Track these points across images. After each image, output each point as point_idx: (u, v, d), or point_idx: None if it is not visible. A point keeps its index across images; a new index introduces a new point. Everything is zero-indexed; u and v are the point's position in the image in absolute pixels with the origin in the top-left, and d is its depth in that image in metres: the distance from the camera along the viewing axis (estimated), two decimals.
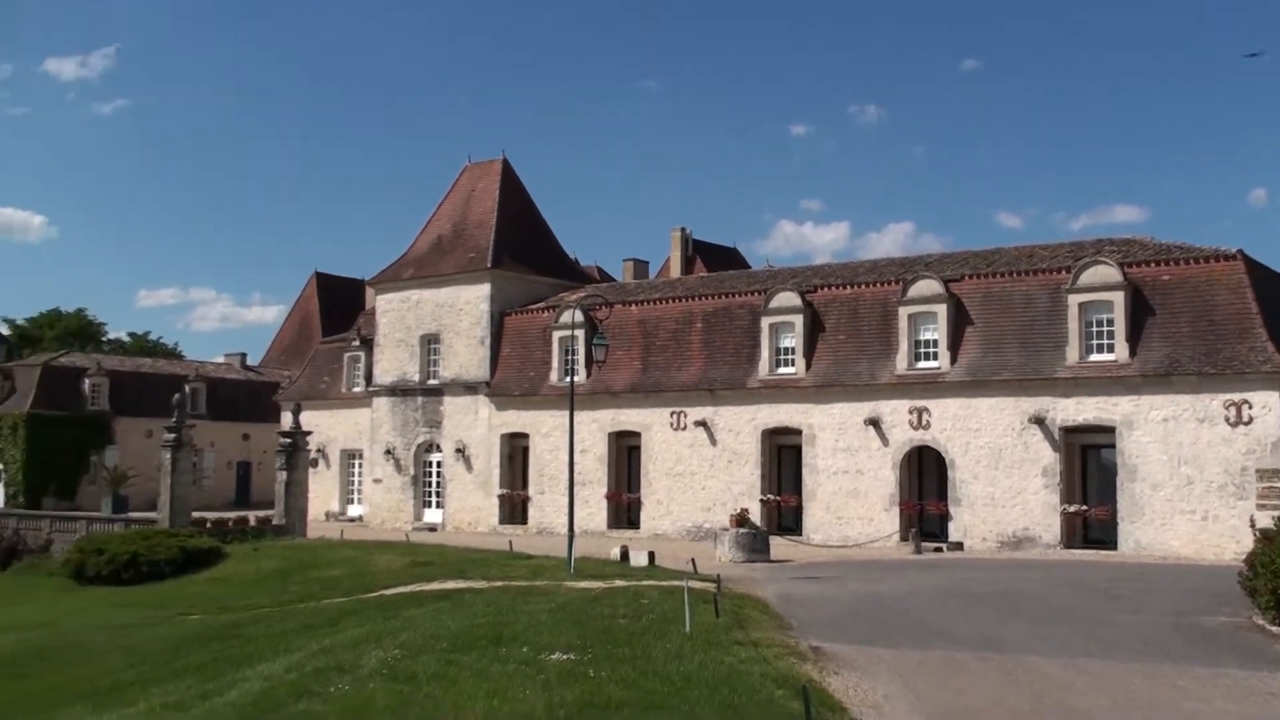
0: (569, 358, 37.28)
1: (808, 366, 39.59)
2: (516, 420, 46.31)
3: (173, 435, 39.32)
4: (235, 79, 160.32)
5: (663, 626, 16.59)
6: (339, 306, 75.31)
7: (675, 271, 65.05)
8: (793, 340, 40.13)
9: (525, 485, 46.18)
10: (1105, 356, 34.49)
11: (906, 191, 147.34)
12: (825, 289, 40.47)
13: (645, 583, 23.57)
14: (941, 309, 37.15)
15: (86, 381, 64.72)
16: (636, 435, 43.22)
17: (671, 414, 42.10)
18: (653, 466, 42.50)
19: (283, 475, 41.75)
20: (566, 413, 30.04)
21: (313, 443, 46.53)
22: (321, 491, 52.22)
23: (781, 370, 40.22)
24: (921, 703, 12.82)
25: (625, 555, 30.57)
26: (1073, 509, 34.77)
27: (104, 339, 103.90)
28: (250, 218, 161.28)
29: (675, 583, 21.20)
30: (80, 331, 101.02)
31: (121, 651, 20.83)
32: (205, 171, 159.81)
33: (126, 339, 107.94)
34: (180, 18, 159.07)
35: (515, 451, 46.99)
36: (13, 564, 41.11)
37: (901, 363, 37.68)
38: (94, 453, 63.64)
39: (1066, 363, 34.95)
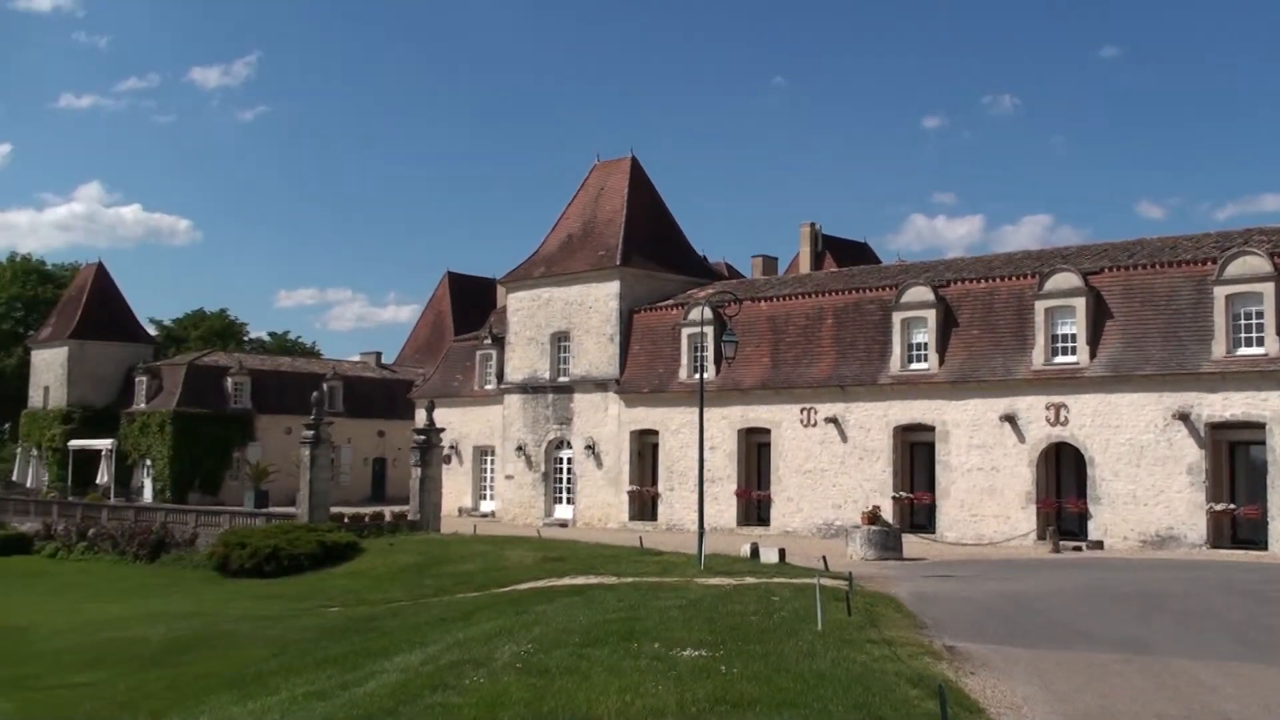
0: (698, 354, 37.28)
1: (941, 362, 38.96)
2: (646, 417, 46.42)
3: (311, 432, 40.29)
4: (369, 84, 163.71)
5: (794, 624, 16.46)
6: (471, 305, 76.39)
7: (805, 267, 64.57)
8: (925, 335, 39.53)
9: (654, 482, 46.27)
10: (1254, 350, 33.26)
11: (1043, 183, 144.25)
12: (959, 283, 39.78)
13: (776, 580, 23.44)
14: (1080, 302, 36.21)
15: (229, 380, 66.67)
16: (766, 432, 43.01)
17: (802, 410, 41.79)
18: (782, 463, 42.25)
19: (417, 471, 42.52)
20: (695, 409, 30.03)
21: (446, 439, 47.24)
22: (454, 487, 53.00)
23: (914, 366, 39.65)
24: (1062, 704, 12.49)
25: (755, 552, 30.43)
26: (1219, 508, 33.61)
27: (245, 339, 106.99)
28: (385, 219, 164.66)
29: (806, 580, 21.04)
30: (223, 332, 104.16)
31: (265, 642, 21.41)
32: (341, 175, 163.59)
33: (267, 338, 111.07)
34: (317, 24, 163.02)
35: (644, 448, 47.10)
36: (161, 556, 42.58)
37: (1038, 358, 36.83)
38: (236, 449, 65.56)
39: (1212, 357, 33.78)
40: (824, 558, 28.50)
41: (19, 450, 67.61)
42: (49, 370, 71.56)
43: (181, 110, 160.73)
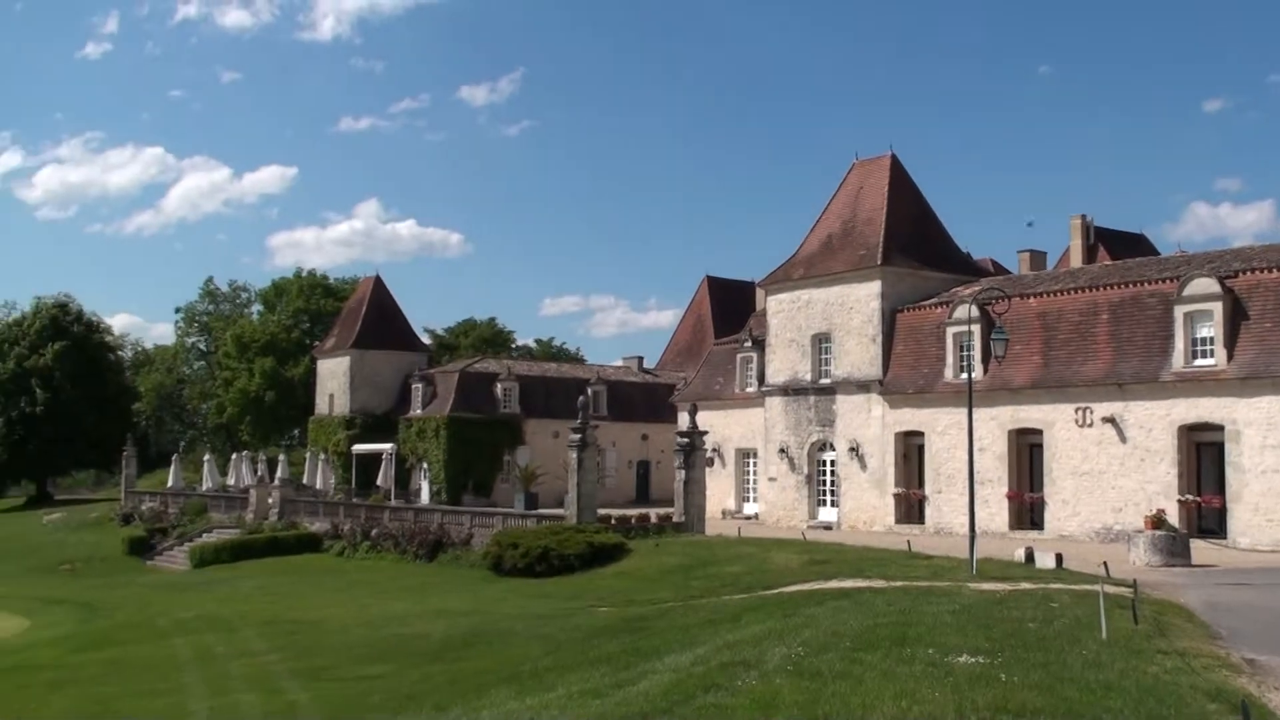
0: (964, 354, 36.35)
1: (1229, 357, 36.76)
2: (911, 418, 45.56)
3: (578, 436, 41.16)
4: (627, 94, 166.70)
5: (1076, 632, 15.84)
6: (730, 309, 76.70)
7: (1075, 261, 62.08)
8: (1211, 329, 37.37)
9: (921, 484, 45.36)
10: None
11: None
12: (1248, 273, 37.45)
13: (1054, 586, 22.62)
14: None
15: (498, 386, 68.90)
16: (1038, 432, 41.55)
17: (1076, 410, 40.18)
18: (1056, 465, 40.72)
19: (681, 474, 42.92)
20: (962, 410, 29.28)
21: (708, 442, 47.52)
22: (718, 490, 53.28)
23: (1199, 362, 37.56)
24: None
25: (1030, 557, 29.44)
26: None
27: (513, 346, 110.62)
28: (645, 226, 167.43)
29: (1087, 587, 20.23)
30: (492, 339, 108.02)
31: (539, 640, 22.00)
32: (603, 184, 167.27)
33: (533, 345, 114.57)
34: (576, 39, 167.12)
35: (910, 450, 46.25)
36: (439, 556, 44.30)
37: None
38: (506, 452, 67.67)
39: None
40: (1104, 563, 27.32)
41: (308, 454, 71.59)
42: (333, 378, 75.69)
43: (451, 127, 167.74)
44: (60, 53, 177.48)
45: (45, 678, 24.09)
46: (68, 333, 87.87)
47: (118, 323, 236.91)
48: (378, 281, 78.12)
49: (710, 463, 50.99)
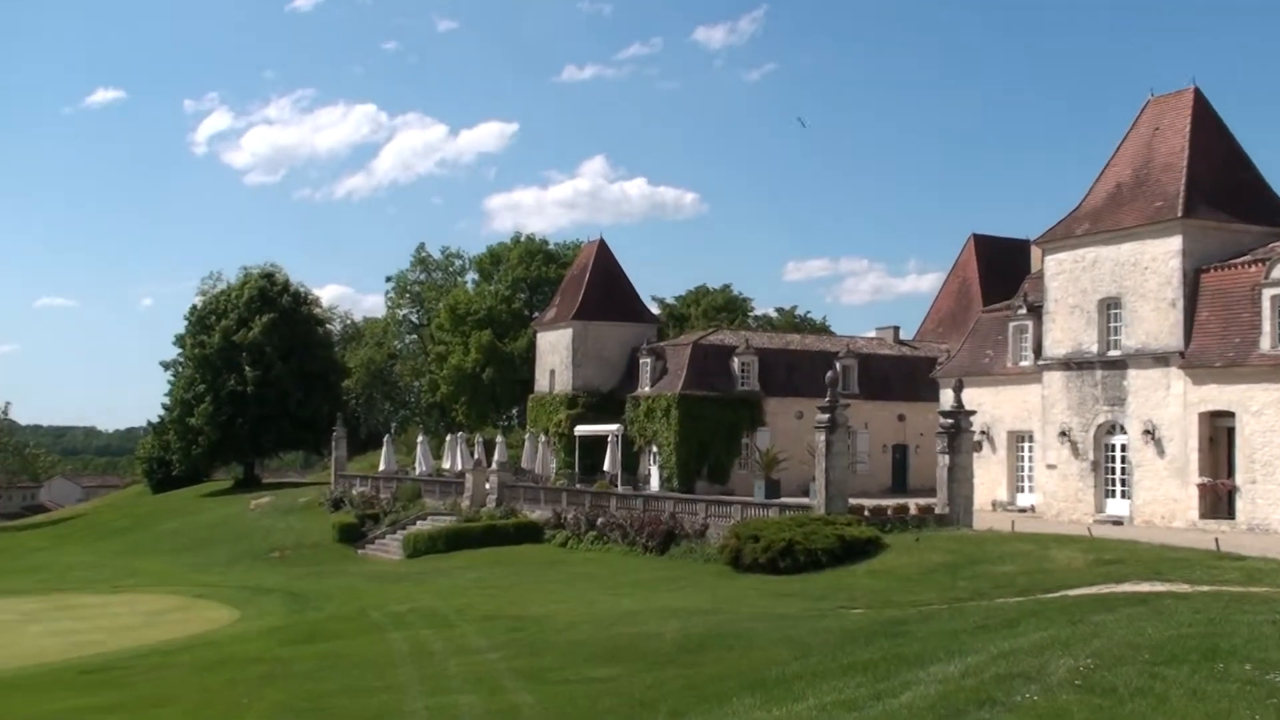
0: None
1: None
2: (1218, 396, 43.70)
3: (826, 416, 41.01)
4: (880, 33, 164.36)
5: None
6: (1001, 271, 74.98)
7: None
8: None
9: (1230, 473, 43.52)
10: None
11: None
12: None
13: None
14: None
15: (736, 360, 69.11)
16: None
17: None
18: None
19: (944, 460, 42.31)
20: None
21: (976, 423, 46.68)
22: (987, 478, 52.29)
23: None
24: None
25: None
26: None
27: (751, 315, 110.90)
28: (903, 180, 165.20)
29: None
30: (728, 308, 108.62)
31: (785, 643, 22.03)
32: (856, 134, 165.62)
33: (774, 314, 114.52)
34: None
35: (1217, 433, 44.39)
36: (671, 548, 44.88)
37: None
38: (745, 434, 67.92)
39: None
40: None
41: (527, 436, 73.51)
42: (554, 353, 77.37)
43: (685, 74, 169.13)
44: (269, 6, 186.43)
45: (256, 672, 25.38)
46: (275, 305, 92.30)
47: (326, 294, 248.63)
48: (602, 246, 79.40)
49: (978, 447, 50.07)
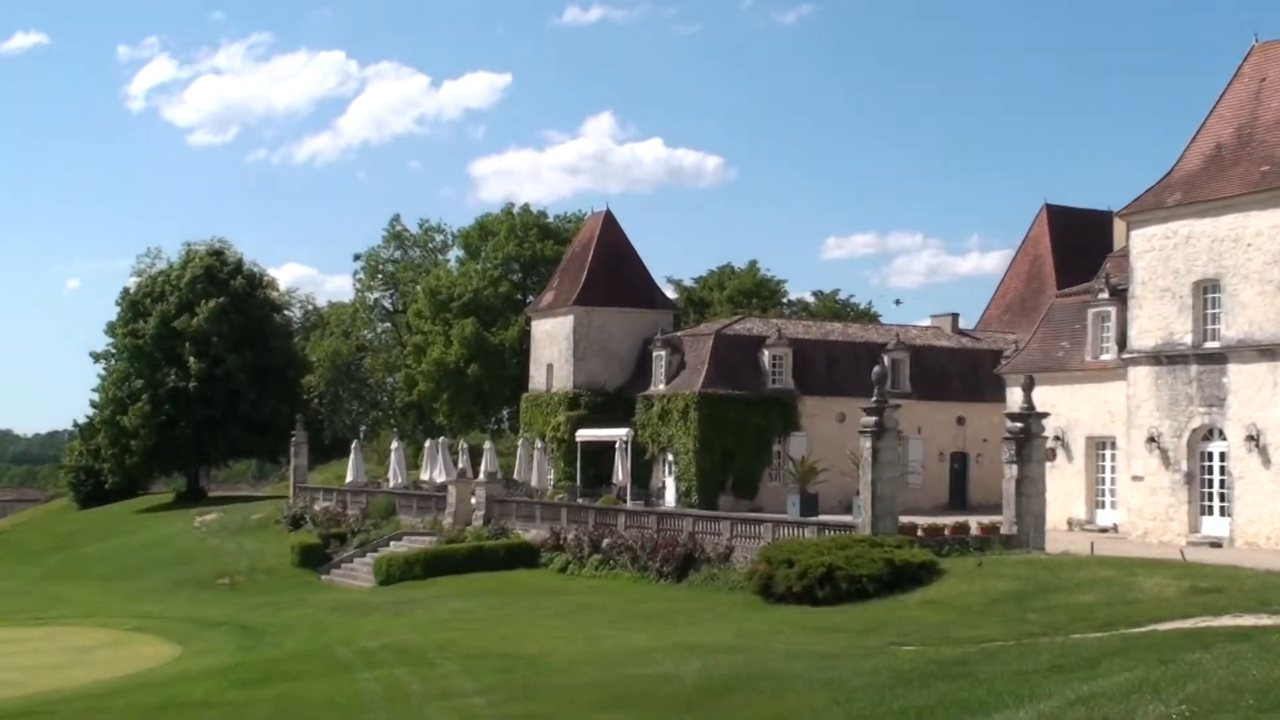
0: None
1: None
2: None
3: (873, 419, 40.99)
4: None
5: None
6: (1078, 248, 74.91)
7: None
8: None
9: None
10: None
11: None
12: None
13: None
14: None
15: (765, 353, 69.03)
16: None
17: None
18: None
19: (1011, 470, 42.30)
20: None
21: (1048, 428, 46.66)
22: (1061, 492, 52.26)
23: None
24: None
25: None
26: None
27: (784, 300, 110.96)
28: (964, 142, 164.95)
29: None
30: (757, 292, 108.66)
31: (825, 686, 22.08)
32: (908, 87, 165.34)
33: (811, 300, 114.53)
34: None
35: None
36: (689, 574, 44.90)
37: None
38: (776, 440, 67.88)
39: None
40: None
41: (520, 442, 73.55)
42: (552, 344, 77.25)
43: (708, 17, 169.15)
44: None
45: (202, 719, 25.45)
46: (224, 287, 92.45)
47: (285, 275, 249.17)
48: (609, 218, 79.29)
49: (1051, 455, 50.05)
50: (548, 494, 66.21)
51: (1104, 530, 51.48)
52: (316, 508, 71.54)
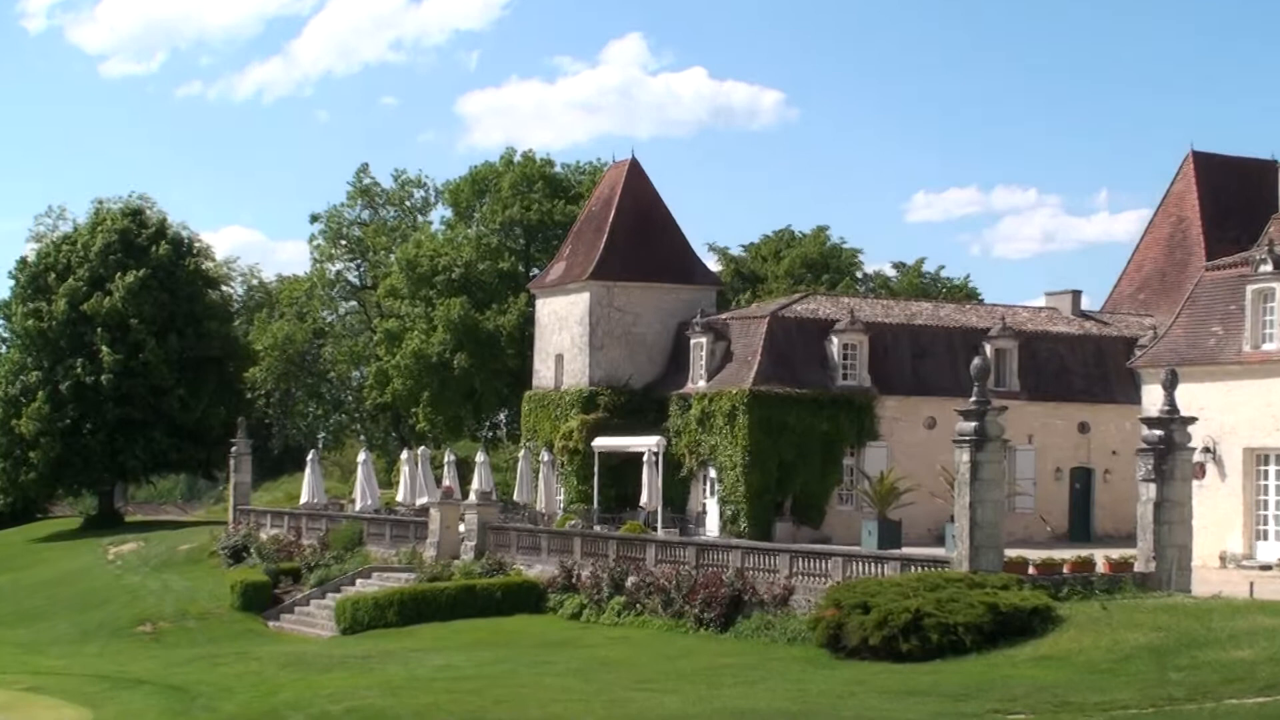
0: None
1: None
2: None
3: (972, 425, 40.77)
4: None
5: None
6: (1235, 207, 74.79)
7: None
8: None
9: None
10: None
11: None
12: None
13: None
14: None
15: (834, 341, 68.83)
16: None
17: None
18: None
19: (1149, 491, 41.95)
20: None
21: (1196, 437, 46.45)
22: (1213, 518, 51.94)
23: None
24: None
25: None
26: None
27: (859, 275, 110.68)
28: (1088, 78, 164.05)
29: None
30: (821, 263, 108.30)
31: None
32: (1015, 15, 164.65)
33: (892, 273, 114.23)
34: None
35: None
36: (737, 621, 44.83)
37: None
38: (848, 451, 67.70)
39: None
40: None
41: (522, 454, 73.34)
42: (562, 328, 76.96)
43: None
44: None
45: None
46: (146, 256, 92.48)
47: (223, 241, 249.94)
48: (635, 170, 78.95)
49: (1200, 472, 49.86)
50: (557, 520, 66.24)
51: (1266, 568, 51.16)
52: (263, 536, 71.61)
